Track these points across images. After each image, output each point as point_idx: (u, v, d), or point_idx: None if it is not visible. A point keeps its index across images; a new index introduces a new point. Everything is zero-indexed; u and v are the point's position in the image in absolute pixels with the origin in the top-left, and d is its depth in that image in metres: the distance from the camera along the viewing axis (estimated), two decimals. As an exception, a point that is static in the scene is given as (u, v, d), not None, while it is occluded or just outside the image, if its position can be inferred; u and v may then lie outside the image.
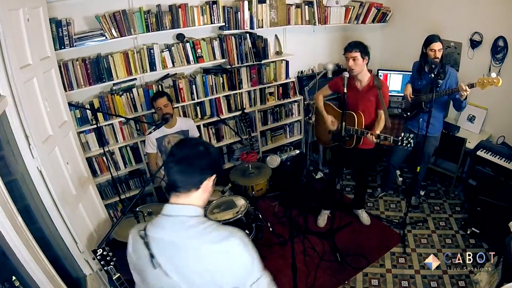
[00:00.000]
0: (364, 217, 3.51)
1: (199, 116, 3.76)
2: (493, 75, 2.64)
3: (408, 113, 3.30)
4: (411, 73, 3.31)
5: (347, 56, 2.77)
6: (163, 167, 2.24)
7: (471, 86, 2.69)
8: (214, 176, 1.24)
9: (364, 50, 2.75)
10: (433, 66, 2.87)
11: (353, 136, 2.90)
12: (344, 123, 2.77)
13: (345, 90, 2.64)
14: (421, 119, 3.13)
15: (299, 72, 4.28)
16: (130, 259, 1.29)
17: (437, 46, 2.88)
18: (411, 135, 2.58)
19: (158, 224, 1.20)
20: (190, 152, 1.21)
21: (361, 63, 2.77)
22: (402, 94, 3.36)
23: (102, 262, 1.95)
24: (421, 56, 3.08)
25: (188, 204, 1.20)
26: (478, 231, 3.18)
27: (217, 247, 1.15)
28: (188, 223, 1.17)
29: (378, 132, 2.77)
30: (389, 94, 4.18)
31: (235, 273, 1.17)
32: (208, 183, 1.23)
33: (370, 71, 2.94)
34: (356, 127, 2.86)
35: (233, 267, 1.16)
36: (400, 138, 2.60)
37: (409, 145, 2.58)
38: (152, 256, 1.17)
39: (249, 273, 1.19)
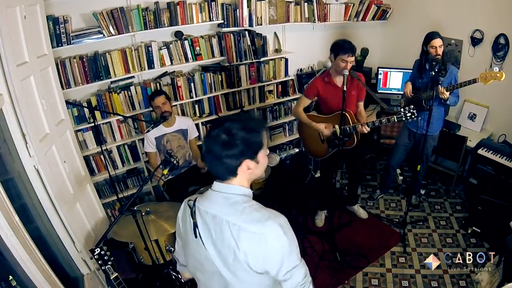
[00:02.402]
0: (360, 212, 3.52)
1: (198, 114, 3.73)
2: (496, 69, 2.61)
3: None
4: (411, 71, 3.29)
5: (347, 60, 2.67)
6: (161, 166, 2.23)
7: (473, 81, 2.66)
8: (247, 161, 1.18)
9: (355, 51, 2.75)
10: (434, 63, 2.85)
11: (352, 134, 2.88)
12: (336, 126, 2.78)
13: (345, 89, 2.59)
14: (420, 118, 3.11)
15: (298, 70, 4.25)
16: (177, 225, 1.41)
17: (437, 42, 2.85)
18: (411, 106, 2.58)
19: (206, 197, 1.26)
20: (213, 144, 1.16)
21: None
22: (402, 92, 3.34)
23: (99, 262, 1.94)
24: (422, 54, 3.05)
25: (233, 184, 1.23)
26: (479, 230, 3.16)
27: (253, 228, 1.15)
28: (231, 200, 1.21)
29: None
30: (389, 92, 4.21)
31: (269, 257, 1.17)
32: (244, 167, 1.19)
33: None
34: (351, 124, 2.85)
35: (267, 251, 1.16)
36: (402, 113, 2.60)
37: (413, 116, 2.58)
38: (195, 225, 1.24)
39: (285, 261, 1.18)
